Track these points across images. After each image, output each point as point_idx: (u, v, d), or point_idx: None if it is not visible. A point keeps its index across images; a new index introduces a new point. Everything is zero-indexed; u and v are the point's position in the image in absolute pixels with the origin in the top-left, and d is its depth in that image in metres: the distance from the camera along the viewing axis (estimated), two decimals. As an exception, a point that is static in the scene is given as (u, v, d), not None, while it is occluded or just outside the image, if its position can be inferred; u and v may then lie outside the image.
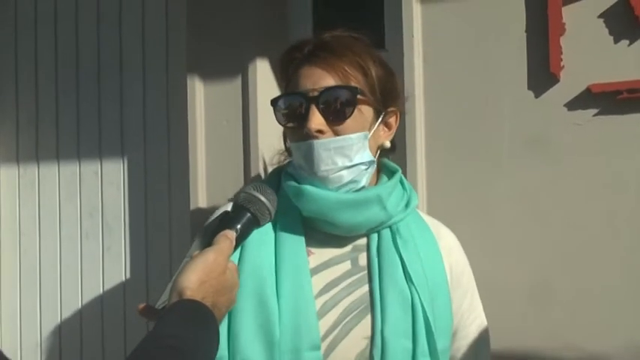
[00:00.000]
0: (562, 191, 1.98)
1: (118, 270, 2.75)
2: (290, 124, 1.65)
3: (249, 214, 1.50)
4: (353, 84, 1.61)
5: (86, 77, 2.82)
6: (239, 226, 1.47)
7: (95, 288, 2.79)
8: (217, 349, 1.31)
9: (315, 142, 1.58)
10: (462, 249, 1.79)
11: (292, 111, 1.63)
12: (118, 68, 2.76)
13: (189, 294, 1.29)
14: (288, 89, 1.68)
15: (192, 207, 2.43)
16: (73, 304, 2.83)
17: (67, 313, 2.84)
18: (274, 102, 1.67)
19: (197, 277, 1.32)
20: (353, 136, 1.60)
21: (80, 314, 2.82)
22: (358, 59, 1.63)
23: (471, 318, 1.75)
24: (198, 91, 2.42)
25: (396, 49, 2.12)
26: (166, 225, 2.66)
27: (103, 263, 2.78)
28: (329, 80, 1.60)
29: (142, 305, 1.42)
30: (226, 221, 1.49)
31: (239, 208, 1.51)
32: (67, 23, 2.86)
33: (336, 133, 1.59)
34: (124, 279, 2.74)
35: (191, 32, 2.46)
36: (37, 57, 2.92)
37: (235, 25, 2.38)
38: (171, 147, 2.63)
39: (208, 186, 2.41)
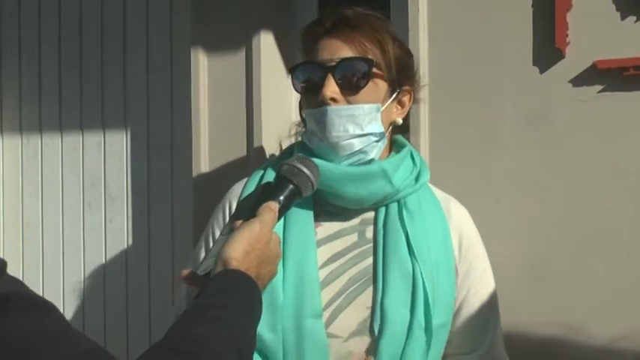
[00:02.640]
0: (564, 169, 1.98)
1: (120, 240, 2.76)
2: (307, 93, 1.69)
3: (291, 186, 1.51)
4: (369, 57, 1.65)
5: (89, 48, 2.81)
6: (282, 198, 1.49)
7: (97, 258, 2.80)
8: (259, 319, 1.33)
9: (329, 108, 1.63)
10: (472, 224, 1.80)
11: (309, 80, 1.68)
12: (122, 40, 2.75)
13: (234, 264, 1.31)
14: (308, 59, 1.71)
15: (194, 178, 2.43)
16: (76, 274, 2.84)
17: (70, 284, 2.86)
18: (292, 70, 1.72)
19: (242, 247, 1.34)
20: (365, 106, 1.64)
21: (83, 285, 2.83)
22: (377, 35, 1.68)
23: (479, 296, 1.76)
24: (201, 63, 2.41)
25: (401, 23, 2.11)
26: (169, 196, 2.66)
27: (105, 233, 2.79)
28: (347, 52, 1.65)
29: (185, 271, 1.43)
30: (269, 192, 1.50)
31: (282, 179, 1.52)
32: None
33: (350, 103, 1.64)
34: (126, 248, 2.75)
35: (195, 4, 2.45)
36: (40, 28, 2.91)
37: (239, -2, 2.37)
38: (174, 118, 2.63)
39: (211, 158, 2.41)
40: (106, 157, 2.79)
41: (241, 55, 2.37)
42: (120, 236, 2.76)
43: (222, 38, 2.39)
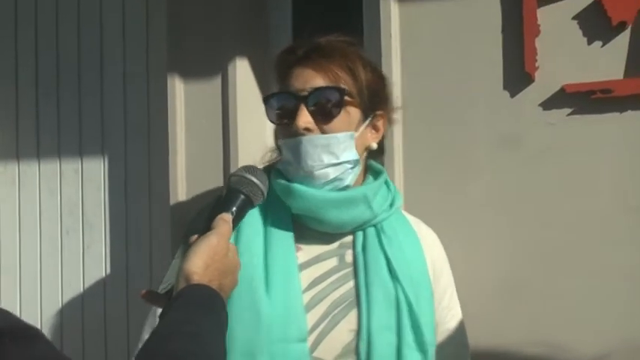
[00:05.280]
0: (536, 189, 2.01)
1: (98, 267, 2.75)
2: (281, 122, 1.71)
3: (242, 196, 1.53)
4: (342, 85, 1.67)
5: (67, 75, 2.82)
6: (234, 209, 1.51)
7: (75, 285, 2.80)
8: (226, 329, 1.34)
9: (304, 138, 1.64)
10: (442, 246, 1.84)
11: (282, 109, 1.70)
12: (99, 66, 2.76)
13: (196, 279, 1.33)
14: (281, 89, 1.73)
15: (172, 205, 2.44)
16: (54, 301, 2.83)
17: (48, 310, 2.84)
18: (266, 100, 1.74)
19: (202, 261, 1.35)
20: (339, 135, 1.66)
21: (61, 312, 2.82)
22: (348, 62, 1.70)
23: (450, 315, 1.81)
24: (178, 90, 2.44)
25: (374, 49, 2.14)
26: (146, 223, 2.66)
27: (83, 260, 2.78)
28: (319, 81, 1.67)
29: (144, 291, 1.44)
30: (221, 205, 1.52)
31: (232, 190, 1.54)
32: (48, 21, 2.85)
33: (323, 132, 1.66)
34: (104, 275, 2.75)
35: (171, 32, 2.47)
36: (17, 56, 2.91)
37: (215, 24, 2.39)
38: (152, 145, 2.64)
39: (188, 184, 2.42)
40: (83, 184, 2.79)
41: (217, 82, 2.39)
42: (98, 263, 2.76)
43: (198, 65, 2.42)
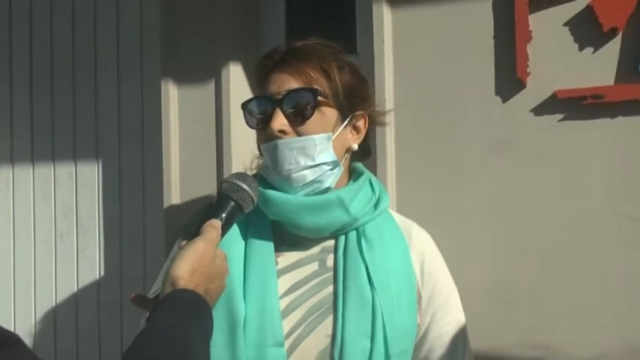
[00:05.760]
0: (528, 195, 2.02)
1: (92, 271, 2.76)
2: (258, 127, 1.72)
3: (232, 203, 1.53)
4: (315, 87, 1.67)
5: (61, 79, 2.82)
6: (224, 215, 1.51)
7: (70, 288, 2.80)
8: (211, 335, 1.35)
9: (279, 141, 1.65)
10: (435, 247, 1.82)
11: (260, 114, 1.71)
12: (93, 71, 2.76)
13: (182, 283, 1.33)
14: (259, 94, 1.75)
15: (165, 209, 2.44)
16: (48, 305, 2.83)
17: (41, 314, 2.85)
18: (244, 106, 1.74)
19: (189, 266, 1.36)
20: (315, 136, 1.66)
21: (55, 315, 2.82)
22: (323, 64, 1.70)
23: (445, 320, 1.77)
24: (172, 94, 2.44)
25: (367, 54, 2.15)
26: (140, 227, 2.67)
27: (77, 264, 2.79)
28: (293, 83, 1.67)
29: (133, 295, 1.45)
30: (211, 211, 1.52)
31: (222, 197, 1.55)
32: (42, 25, 2.86)
33: (299, 134, 1.66)
34: (98, 279, 2.75)
35: (165, 36, 2.48)
36: (12, 59, 2.92)
37: (209, 29, 2.40)
38: (145, 149, 2.64)
39: (182, 189, 2.43)
40: (77, 188, 2.79)
41: (211, 86, 2.40)
42: (92, 267, 2.76)
43: (192, 69, 2.42)
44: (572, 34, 1.98)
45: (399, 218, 1.82)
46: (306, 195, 1.68)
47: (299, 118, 1.66)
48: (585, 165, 1.97)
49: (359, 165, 1.81)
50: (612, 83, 1.94)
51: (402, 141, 2.14)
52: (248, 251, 1.66)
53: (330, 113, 1.69)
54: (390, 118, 2.10)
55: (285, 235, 1.71)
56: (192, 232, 1.47)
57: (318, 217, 1.66)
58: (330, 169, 1.68)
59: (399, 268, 1.71)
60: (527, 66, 2.00)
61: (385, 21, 2.15)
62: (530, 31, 2.00)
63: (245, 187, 1.55)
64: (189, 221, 1.73)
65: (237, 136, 2.34)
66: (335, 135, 1.69)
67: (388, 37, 2.15)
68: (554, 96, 1.99)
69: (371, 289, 1.65)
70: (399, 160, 2.15)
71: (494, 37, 2.05)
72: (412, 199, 2.11)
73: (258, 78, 1.77)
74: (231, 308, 1.59)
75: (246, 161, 1.89)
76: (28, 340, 2.84)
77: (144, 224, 2.66)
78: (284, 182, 1.67)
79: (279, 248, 1.70)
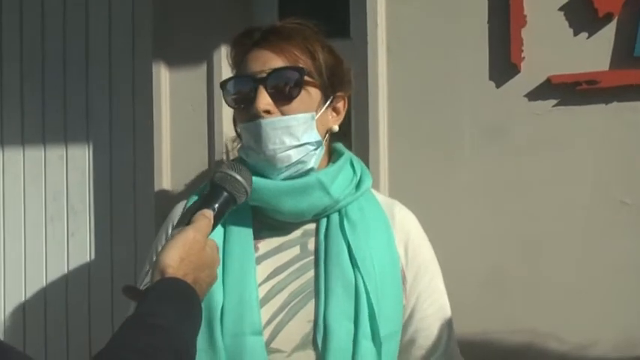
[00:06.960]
0: (521, 180, 2.02)
1: (82, 254, 2.75)
2: (239, 107, 1.69)
3: (225, 193, 1.52)
4: (301, 66, 1.64)
5: (52, 61, 2.80)
6: (216, 205, 1.50)
7: (60, 271, 2.79)
8: (200, 324, 1.34)
9: (263, 121, 1.61)
10: (419, 227, 1.79)
11: (241, 93, 1.67)
12: (84, 54, 2.74)
13: (170, 272, 1.32)
14: (238, 73, 1.71)
15: (156, 192, 2.43)
16: (38, 288, 2.82)
17: (31, 297, 2.84)
18: (223, 85, 1.71)
19: (177, 254, 1.35)
20: (300, 116, 1.63)
21: (45, 299, 2.81)
22: (307, 43, 1.67)
23: (430, 300, 1.74)
24: (163, 77, 2.43)
25: (360, 37, 2.14)
26: (131, 210, 2.66)
27: (67, 247, 2.78)
28: (278, 62, 1.64)
29: (124, 286, 1.41)
30: (204, 201, 1.51)
31: (215, 187, 1.53)
32: (33, 8, 2.83)
33: (283, 114, 1.63)
34: (88, 261, 2.74)
35: (157, 19, 2.46)
36: (2, 42, 2.89)
37: (201, 12, 2.38)
38: (137, 132, 2.63)
39: (173, 171, 2.42)
40: (68, 170, 2.78)
41: (202, 68, 2.38)
42: (82, 250, 2.75)
43: (184, 52, 2.41)
44: (567, 18, 1.98)
45: (381, 198, 1.80)
46: (290, 176, 1.65)
47: (285, 97, 1.63)
48: (579, 151, 1.97)
49: (339, 145, 1.78)
50: (607, 69, 1.94)
51: (396, 125, 2.14)
52: (227, 238, 1.64)
53: (314, 93, 1.67)
54: (383, 103, 2.09)
55: (266, 221, 1.69)
56: (184, 221, 1.46)
57: (298, 201, 1.64)
58: (314, 149, 1.66)
59: (382, 248, 1.68)
60: (522, 51, 2.00)
61: (379, 5, 2.14)
62: (525, 16, 1.99)
63: (239, 177, 1.53)
64: (185, 211, 1.72)
65: (229, 119, 2.29)
66: (318, 115, 1.67)
67: (382, 21, 2.14)
68: (548, 81, 1.98)
69: (354, 270, 1.62)
70: (391, 145, 2.14)
71: (488, 22, 2.05)
72: (405, 183, 2.10)
73: (235, 57, 1.74)
74: (208, 297, 1.54)
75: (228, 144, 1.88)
76: (18, 324, 2.84)
77: (135, 207, 2.65)
78: (267, 163, 1.63)
79: (259, 234, 1.68)
